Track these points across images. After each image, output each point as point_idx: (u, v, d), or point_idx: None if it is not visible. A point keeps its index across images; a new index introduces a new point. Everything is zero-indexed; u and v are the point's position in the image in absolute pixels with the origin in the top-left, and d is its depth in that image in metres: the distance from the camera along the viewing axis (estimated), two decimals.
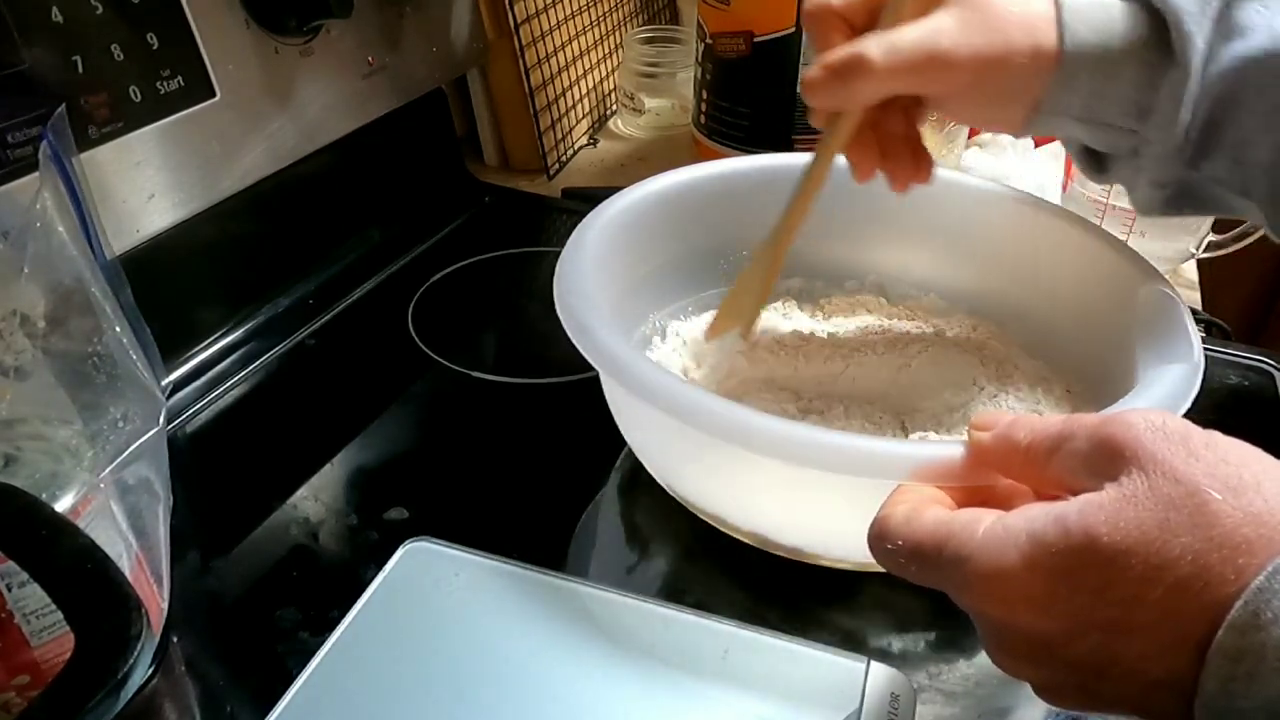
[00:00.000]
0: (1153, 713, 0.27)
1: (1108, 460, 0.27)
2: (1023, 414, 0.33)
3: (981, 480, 0.33)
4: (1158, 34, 0.39)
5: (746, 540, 0.44)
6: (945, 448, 0.34)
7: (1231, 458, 0.27)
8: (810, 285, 0.59)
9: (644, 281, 0.53)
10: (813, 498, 0.40)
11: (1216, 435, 0.27)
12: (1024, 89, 0.41)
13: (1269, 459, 0.27)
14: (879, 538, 0.31)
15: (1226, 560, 0.25)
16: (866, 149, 0.45)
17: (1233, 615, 0.24)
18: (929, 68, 0.39)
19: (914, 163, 0.46)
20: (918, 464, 0.33)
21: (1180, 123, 0.40)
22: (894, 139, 0.45)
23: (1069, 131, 0.43)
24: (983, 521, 0.29)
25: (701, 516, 0.45)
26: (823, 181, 0.44)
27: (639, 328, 0.54)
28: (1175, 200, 0.43)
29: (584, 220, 0.49)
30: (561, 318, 0.42)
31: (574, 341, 0.40)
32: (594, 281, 0.45)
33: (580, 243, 0.48)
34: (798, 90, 0.76)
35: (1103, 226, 0.68)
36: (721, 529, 0.45)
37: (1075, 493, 0.28)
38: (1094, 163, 0.46)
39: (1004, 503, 0.31)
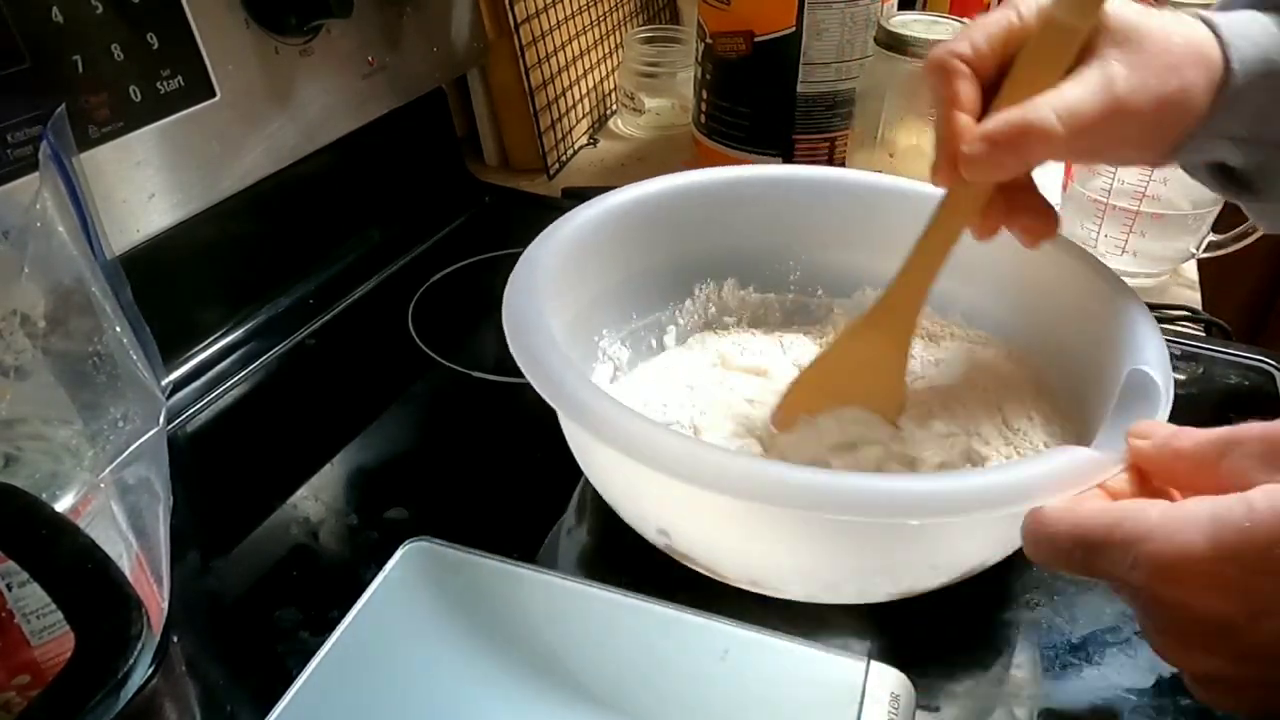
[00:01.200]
0: None
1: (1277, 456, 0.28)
2: (1182, 426, 0.33)
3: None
4: None
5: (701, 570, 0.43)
6: (1096, 456, 0.33)
7: None
8: (808, 300, 0.58)
9: (595, 303, 0.52)
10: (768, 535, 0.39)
11: None
12: (1200, 111, 0.38)
13: None
14: (1037, 526, 0.31)
15: None
16: (994, 208, 0.42)
17: None
18: (1111, 123, 0.37)
19: (1042, 216, 0.43)
20: (1069, 477, 0.33)
21: None
22: (1020, 192, 0.42)
23: (1220, 154, 0.41)
24: (1155, 505, 0.29)
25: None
26: (949, 253, 0.43)
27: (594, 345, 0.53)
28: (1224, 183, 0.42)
29: (534, 241, 0.48)
30: (515, 354, 0.40)
31: (528, 376, 0.39)
32: (548, 307, 0.44)
33: (532, 265, 0.46)
34: (798, 91, 0.76)
35: (1103, 226, 0.68)
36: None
37: (1245, 488, 0.28)
38: (1233, 183, 0.43)
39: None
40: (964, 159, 0.38)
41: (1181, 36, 0.37)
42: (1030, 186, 0.42)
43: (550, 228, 0.49)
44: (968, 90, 0.39)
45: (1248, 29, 0.38)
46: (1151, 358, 0.40)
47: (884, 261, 0.54)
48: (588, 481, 0.47)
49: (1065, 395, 0.48)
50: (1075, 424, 0.46)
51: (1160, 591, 0.29)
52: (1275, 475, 0.28)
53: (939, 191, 0.43)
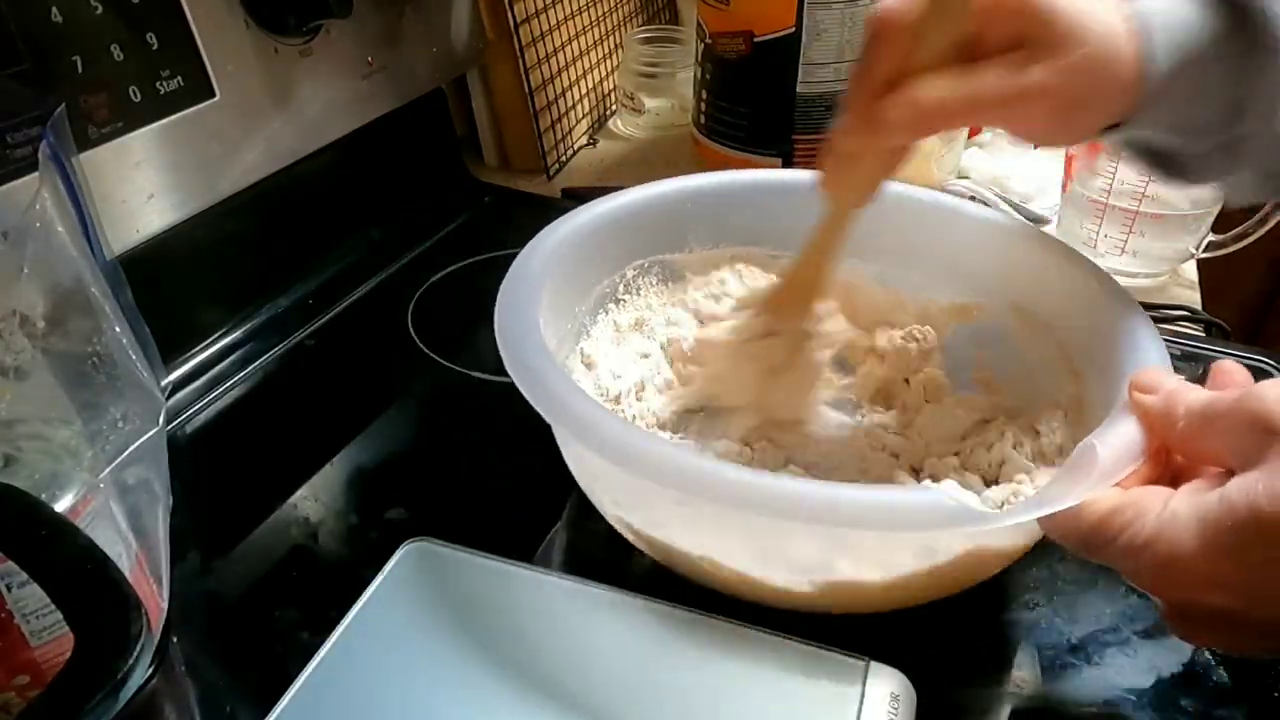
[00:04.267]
0: None
1: (1262, 434, 0.29)
2: (1180, 382, 0.34)
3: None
4: (1237, 23, 0.37)
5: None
6: (1118, 438, 0.34)
7: None
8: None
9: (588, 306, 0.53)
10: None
11: None
12: (1112, 107, 0.39)
13: None
14: (1050, 527, 0.33)
15: None
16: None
17: None
18: (1014, 109, 0.38)
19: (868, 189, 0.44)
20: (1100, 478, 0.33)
21: None
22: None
23: (1142, 139, 0.42)
24: (1153, 508, 0.30)
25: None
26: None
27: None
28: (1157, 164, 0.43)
29: (524, 250, 0.47)
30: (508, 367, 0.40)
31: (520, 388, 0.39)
32: (541, 314, 0.44)
33: (523, 273, 0.46)
34: (798, 91, 0.76)
35: (1102, 226, 0.68)
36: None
37: (1227, 467, 0.30)
38: (1164, 165, 0.43)
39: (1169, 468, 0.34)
40: (880, 121, 0.38)
41: (1102, 27, 0.37)
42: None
43: (543, 231, 0.49)
44: (890, 56, 0.39)
45: (1169, 19, 0.38)
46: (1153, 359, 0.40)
47: (883, 264, 0.54)
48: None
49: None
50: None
51: (1164, 594, 0.31)
52: (1248, 457, 0.29)
53: (939, 195, 0.44)
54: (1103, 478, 0.33)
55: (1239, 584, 0.29)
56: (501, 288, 0.45)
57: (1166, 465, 0.34)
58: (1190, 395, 0.33)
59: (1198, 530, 0.29)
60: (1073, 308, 0.47)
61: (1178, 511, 0.30)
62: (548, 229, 0.49)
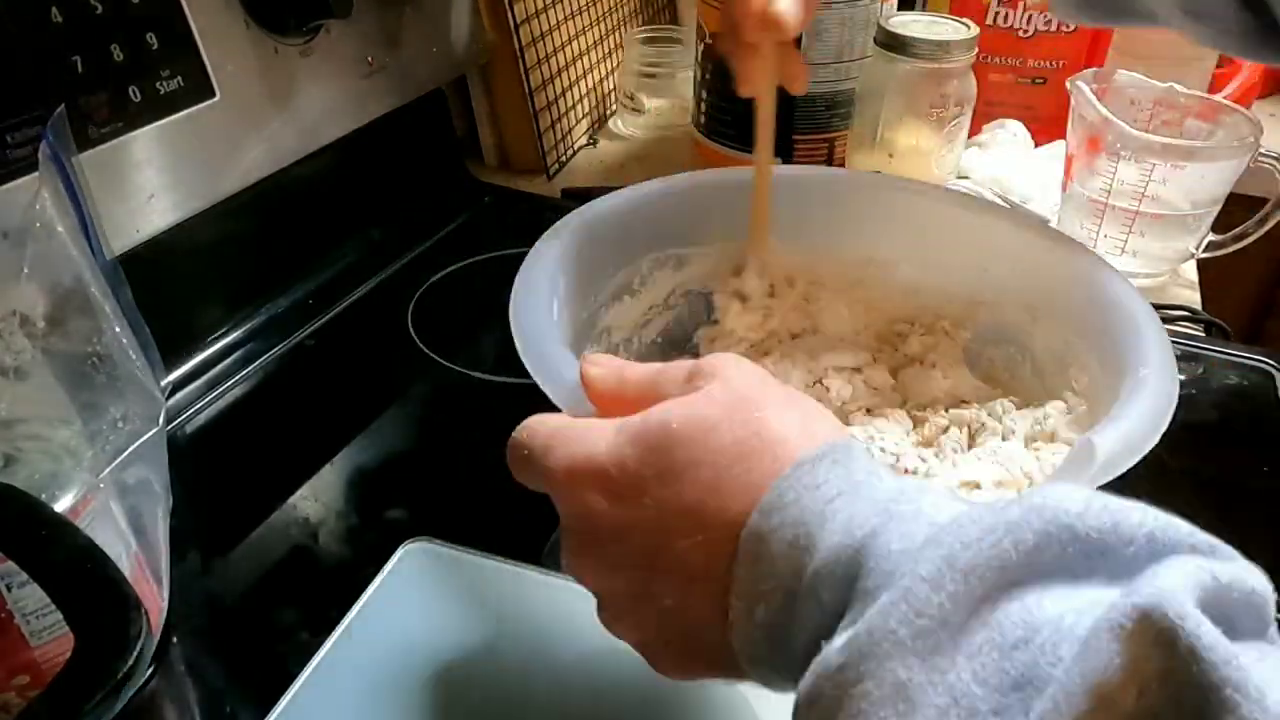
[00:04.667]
0: (694, 618, 0.28)
1: (695, 377, 0.31)
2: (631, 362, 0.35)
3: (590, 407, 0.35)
4: None
5: None
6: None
7: (794, 394, 0.31)
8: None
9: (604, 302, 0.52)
10: None
11: (788, 388, 0.31)
12: None
13: (822, 406, 0.31)
14: (517, 431, 0.33)
15: (767, 450, 0.27)
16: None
17: (762, 499, 0.26)
18: None
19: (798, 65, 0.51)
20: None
21: None
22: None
23: None
24: (580, 424, 0.32)
25: None
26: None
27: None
28: (1089, 4, 0.45)
29: (533, 247, 0.47)
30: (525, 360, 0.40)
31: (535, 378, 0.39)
32: (556, 306, 0.44)
33: (538, 263, 0.46)
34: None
35: (1102, 226, 0.68)
36: None
37: None
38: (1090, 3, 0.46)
39: None
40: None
41: None
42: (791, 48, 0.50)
43: (558, 224, 0.49)
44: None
45: None
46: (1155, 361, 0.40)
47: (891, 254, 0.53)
48: None
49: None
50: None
51: (566, 497, 0.31)
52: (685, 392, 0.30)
53: (933, 187, 0.45)
54: (1103, 470, 0.33)
55: (629, 495, 0.29)
56: (516, 282, 0.44)
57: None
58: (636, 368, 0.34)
59: (611, 434, 0.30)
60: (1085, 306, 0.47)
61: (601, 424, 0.31)
62: (560, 224, 0.49)
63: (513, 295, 0.43)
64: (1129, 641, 0.18)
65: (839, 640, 0.22)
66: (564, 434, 0.31)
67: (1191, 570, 0.19)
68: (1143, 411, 0.37)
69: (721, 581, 0.27)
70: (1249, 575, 0.20)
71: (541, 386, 0.38)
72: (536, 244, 0.47)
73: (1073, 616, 0.20)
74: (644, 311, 0.54)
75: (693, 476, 0.28)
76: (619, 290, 0.52)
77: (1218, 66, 0.89)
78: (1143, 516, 0.21)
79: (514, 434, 0.33)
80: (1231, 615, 0.19)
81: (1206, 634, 0.18)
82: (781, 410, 0.29)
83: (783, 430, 0.28)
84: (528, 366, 0.39)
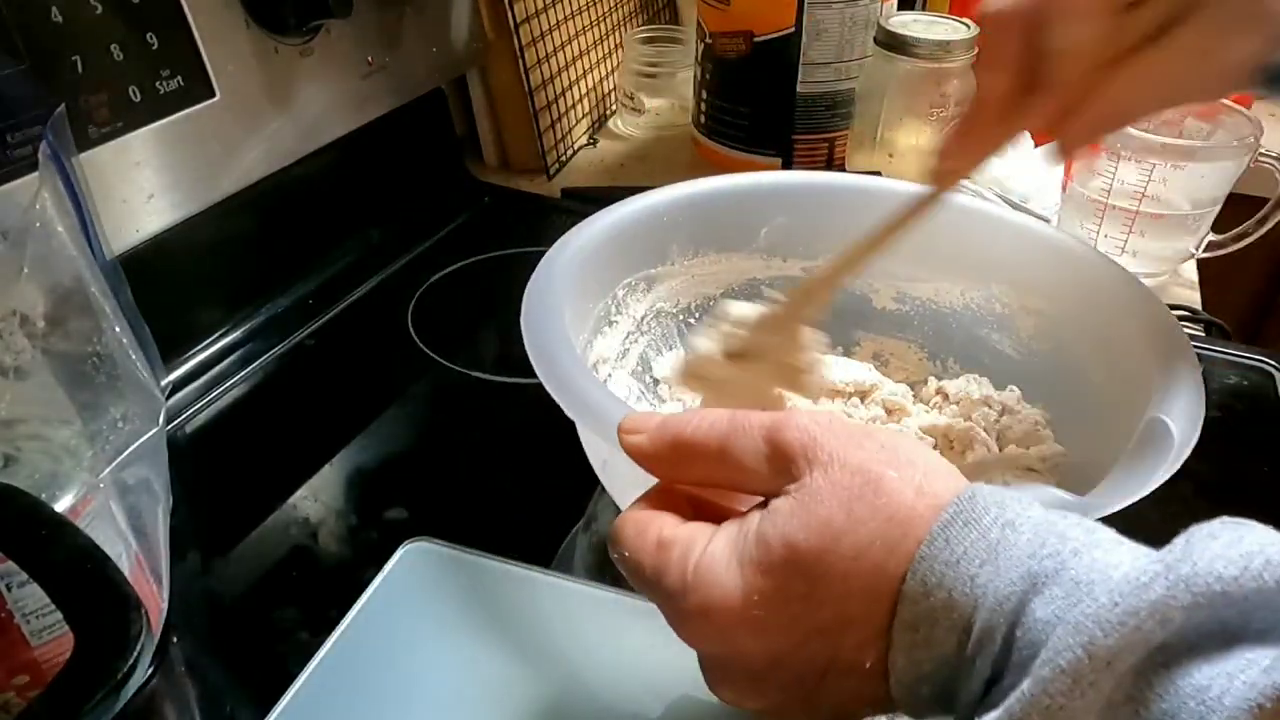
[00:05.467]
0: (854, 710, 0.28)
1: (787, 461, 0.28)
2: (674, 413, 0.32)
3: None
4: None
5: None
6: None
7: (888, 441, 0.28)
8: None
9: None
10: None
11: (870, 426, 0.29)
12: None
13: (911, 439, 0.29)
14: (613, 541, 0.30)
15: (907, 535, 0.26)
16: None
17: (905, 588, 0.25)
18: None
19: None
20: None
21: None
22: None
23: None
24: (695, 551, 0.28)
25: None
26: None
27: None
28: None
29: (546, 255, 0.46)
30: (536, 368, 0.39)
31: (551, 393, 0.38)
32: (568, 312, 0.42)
33: (550, 269, 0.44)
34: (798, 91, 0.76)
35: (1102, 226, 0.68)
36: None
37: (753, 490, 0.29)
38: None
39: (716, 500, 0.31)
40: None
41: None
42: None
43: (574, 229, 0.47)
44: (1014, 49, 0.37)
45: None
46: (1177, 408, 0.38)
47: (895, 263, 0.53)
48: (601, 488, 0.47)
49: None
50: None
51: (704, 645, 0.29)
52: (776, 480, 0.28)
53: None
54: (1179, 453, 0.33)
55: (777, 626, 0.27)
56: (525, 303, 0.42)
57: (681, 496, 0.31)
58: (692, 417, 0.30)
59: (736, 570, 0.27)
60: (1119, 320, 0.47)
61: (714, 552, 0.28)
62: (546, 259, 0.46)
63: (524, 308, 0.41)
64: None
65: None
66: (675, 569, 0.28)
67: None
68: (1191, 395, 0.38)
69: (881, 673, 0.26)
70: None
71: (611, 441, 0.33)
72: (528, 290, 0.44)
73: (1223, 681, 0.20)
74: (621, 340, 0.52)
75: (844, 590, 0.26)
76: (599, 322, 0.50)
77: None
78: None
79: (617, 529, 0.30)
80: None
81: None
82: (899, 481, 0.27)
83: (907, 506, 0.26)
84: (574, 416, 0.37)
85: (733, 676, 0.29)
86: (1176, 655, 0.21)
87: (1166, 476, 0.35)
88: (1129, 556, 0.24)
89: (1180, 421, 0.37)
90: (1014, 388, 0.50)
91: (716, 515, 0.30)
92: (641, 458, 0.31)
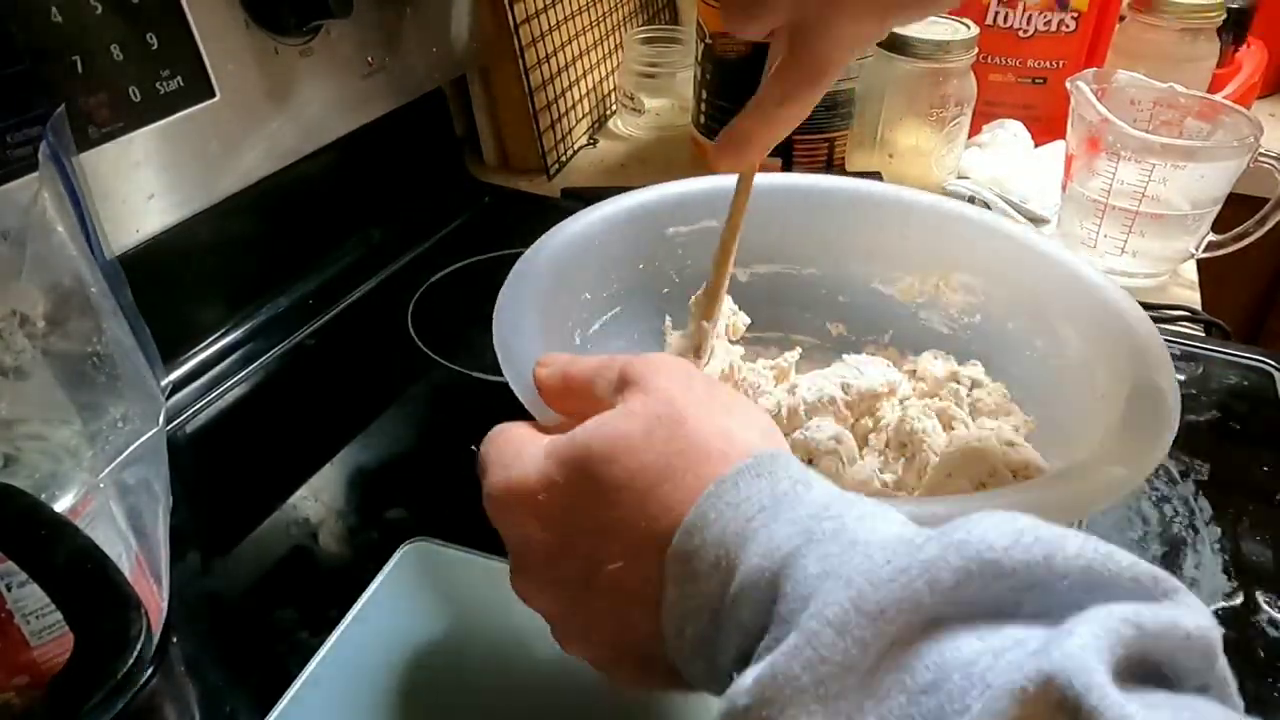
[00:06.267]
0: (637, 636, 0.28)
1: (623, 385, 0.30)
2: (582, 356, 0.34)
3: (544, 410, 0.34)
4: None
5: None
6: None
7: (723, 396, 0.30)
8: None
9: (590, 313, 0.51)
10: None
11: (722, 383, 0.30)
12: None
13: (748, 401, 0.30)
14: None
15: (690, 468, 0.27)
16: None
17: (685, 521, 0.26)
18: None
19: None
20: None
21: None
22: None
23: None
24: (525, 444, 0.31)
25: None
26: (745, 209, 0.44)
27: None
28: None
29: (515, 266, 0.47)
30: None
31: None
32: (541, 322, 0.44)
33: (521, 279, 0.46)
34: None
35: (1102, 226, 0.68)
36: None
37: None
38: None
39: None
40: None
41: None
42: None
43: (544, 236, 0.48)
44: None
45: None
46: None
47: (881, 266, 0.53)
48: None
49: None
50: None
51: (503, 521, 0.31)
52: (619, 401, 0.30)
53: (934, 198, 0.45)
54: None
55: (558, 519, 0.29)
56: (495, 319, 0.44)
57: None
58: (579, 366, 0.33)
59: (542, 459, 0.29)
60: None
61: (536, 447, 0.30)
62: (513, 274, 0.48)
63: (495, 318, 0.44)
64: (1029, 706, 0.18)
65: (748, 678, 0.22)
66: (502, 454, 0.31)
67: (1115, 625, 0.19)
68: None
69: (655, 601, 0.27)
70: (1185, 616, 0.20)
71: (513, 388, 0.37)
72: (500, 299, 0.46)
73: (989, 658, 0.20)
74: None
75: (616, 499, 0.28)
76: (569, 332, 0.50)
77: (1218, 66, 0.89)
78: (1080, 547, 0.21)
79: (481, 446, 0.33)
80: (1168, 660, 0.19)
81: (1111, 706, 0.17)
82: (706, 421, 0.28)
83: (706, 444, 0.28)
84: (502, 365, 0.39)
85: (525, 564, 0.31)
86: (947, 626, 0.21)
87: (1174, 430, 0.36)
88: (913, 529, 0.24)
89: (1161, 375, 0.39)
90: (975, 361, 0.50)
91: None
92: (541, 389, 0.34)
